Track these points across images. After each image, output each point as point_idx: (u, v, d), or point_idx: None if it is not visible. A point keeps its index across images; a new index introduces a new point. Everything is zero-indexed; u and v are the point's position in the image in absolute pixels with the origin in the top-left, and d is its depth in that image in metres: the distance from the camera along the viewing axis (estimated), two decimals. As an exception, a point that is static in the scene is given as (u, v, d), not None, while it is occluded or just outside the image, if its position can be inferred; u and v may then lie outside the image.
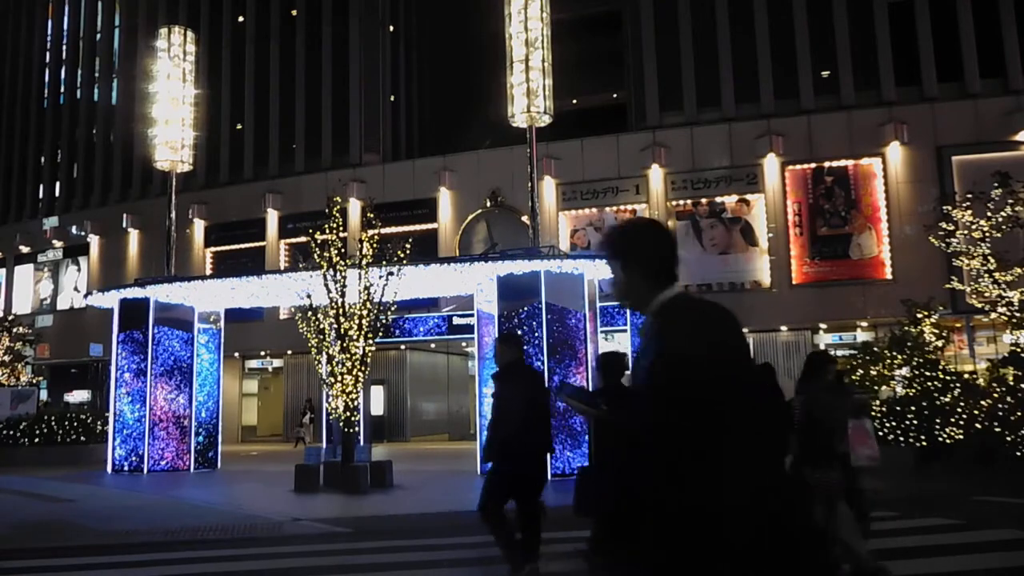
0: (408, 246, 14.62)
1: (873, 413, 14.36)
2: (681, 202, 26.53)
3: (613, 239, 2.47)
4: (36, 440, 21.52)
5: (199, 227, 32.54)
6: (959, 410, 14.04)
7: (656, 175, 26.64)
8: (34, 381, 31.41)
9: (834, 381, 6.51)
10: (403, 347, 28.74)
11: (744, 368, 2.32)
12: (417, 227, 27.59)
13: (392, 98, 34.24)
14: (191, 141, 22.12)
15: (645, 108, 28.85)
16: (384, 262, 14.19)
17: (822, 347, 26.19)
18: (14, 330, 29.07)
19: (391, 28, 34.58)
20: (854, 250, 25.07)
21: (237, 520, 10.28)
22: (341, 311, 13.94)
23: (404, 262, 14.29)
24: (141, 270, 31.67)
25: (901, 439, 14.27)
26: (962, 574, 6.75)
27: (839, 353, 24.17)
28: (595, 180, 27.15)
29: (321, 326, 14.36)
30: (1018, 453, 13.31)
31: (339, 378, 13.99)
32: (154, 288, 18.09)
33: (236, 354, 29.30)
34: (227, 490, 14.46)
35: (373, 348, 14.35)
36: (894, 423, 14.41)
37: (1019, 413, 13.55)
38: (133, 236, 34.21)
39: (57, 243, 36.64)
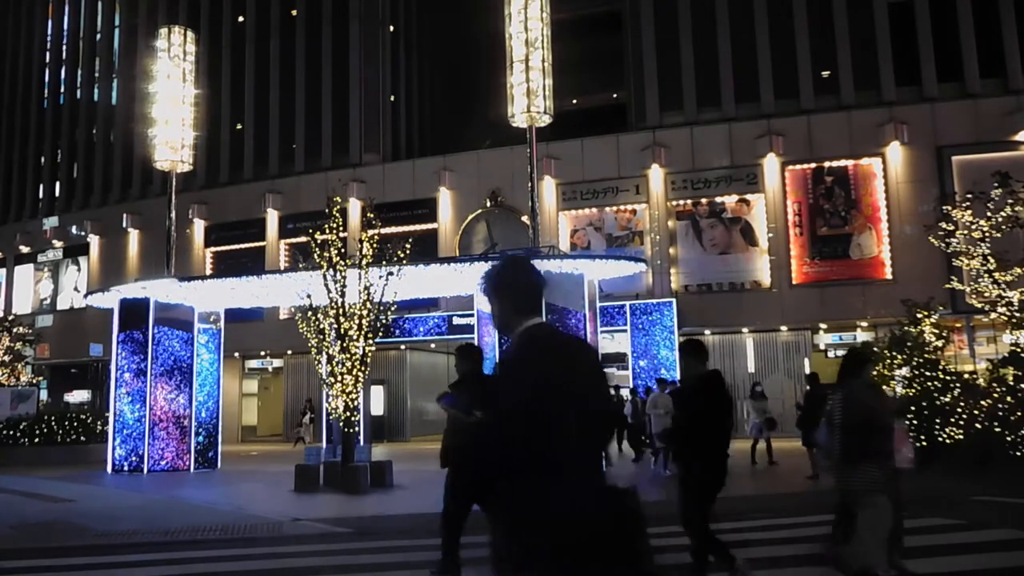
0: (408, 246, 14.63)
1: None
2: (681, 202, 26.53)
3: (490, 275, 2.92)
4: (36, 440, 21.53)
5: (199, 227, 32.55)
6: (959, 410, 14.03)
7: (656, 175, 26.64)
8: (34, 381, 31.41)
9: (874, 380, 6.38)
10: (403, 347, 28.74)
11: (580, 387, 2.70)
12: (417, 227, 27.60)
13: (392, 98, 34.24)
14: (191, 141, 22.13)
15: (645, 108, 28.85)
16: (384, 262, 14.19)
17: (826, 346, 26.22)
18: (14, 330, 29.07)
19: (391, 28, 34.58)
20: (854, 250, 25.08)
21: (237, 520, 10.28)
22: (341, 311, 13.94)
23: (404, 262, 14.29)
24: (141, 270, 31.69)
25: (901, 439, 14.23)
26: (962, 574, 6.75)
27: (839, 353, 24.23)
28: (595, 180, 27.16)
29: (321, 326, 14.36)
30: (1018, 453, 13.30)
31: (339, 378, 13.99)
32: (154, 288, 18.09)
33: (236, 354, 29.30)
34: (227, 490, 14.46)
35: (373, 348, 14.36)
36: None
37: (1019, 413, 13.54)
38: (133, 236, 34.21)
39: (57, 243, 36.65)
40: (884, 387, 15.38)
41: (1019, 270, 16.19)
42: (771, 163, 25.77)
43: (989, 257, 16.30)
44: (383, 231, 15.54)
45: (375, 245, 14.26)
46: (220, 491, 14.29)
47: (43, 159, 40.02)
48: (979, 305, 17.02)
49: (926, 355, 15.28)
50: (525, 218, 23.94)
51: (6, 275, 38.55)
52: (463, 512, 6.59)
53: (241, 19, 35.07)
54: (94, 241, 35.34)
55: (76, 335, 33.01)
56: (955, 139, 24.49)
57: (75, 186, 38.37)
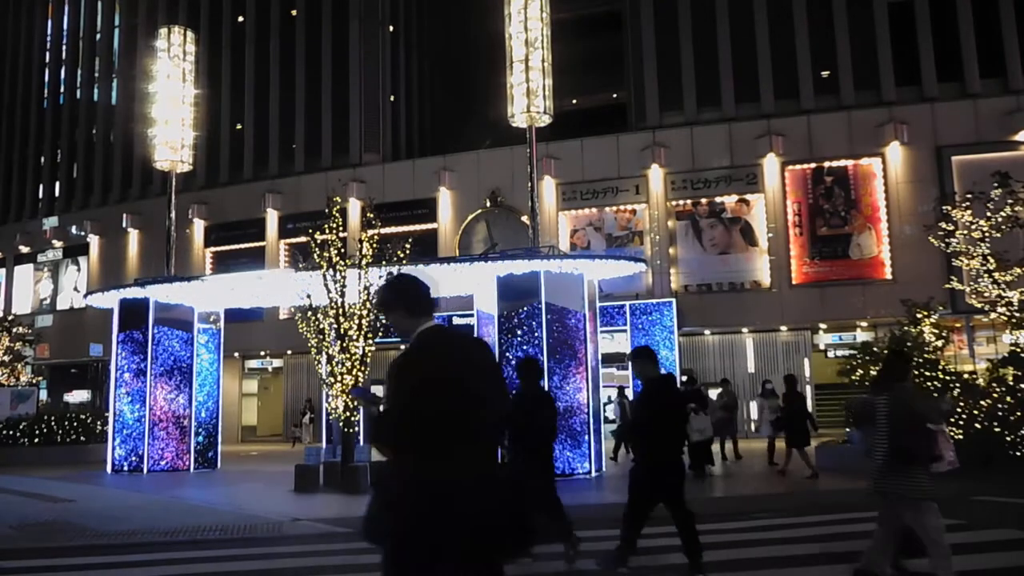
0: (408, 246, 14.63)
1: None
2: (681, 202, 26.53)
3: (382, 291, 3.41)
4: (36, 440, 21.54)
5: (199, 227, 32.54)
6: (959, 410, 14.04)
7: (656, 175, 26.64)
8: (34, 381, 31.41)
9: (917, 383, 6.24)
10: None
11: (471, 381, 3.10)
12: (417, 227, 27.60)
13: (392, 98, 34.24)
14: (191, 141, 22.12)
15: (645, 108, 28.85)
16: (384, 262, 14.18)
17: (827, 345, 26.22)
18: (14, 330, 29.06)
19: (391, 28, 34.58)
20: (854, 250, 25.08)
21: (237, 520, 10.28)
22: (341, 311, 13.94)
23: (404, 262, 14.29)
24: (141, 270, 31.68)
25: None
26: (962, 574, 6.74)
27: (839, 353, 24.24)
28: (595, 180, 27.15)
29: (321, 326, 14.36)
30: (1018, 453, 13.31)
31: (339, 378, 13.99)
32: (154, 288, 18.09)
33: (236, 354, 29.30)
34: (227, 490, 14.46)
35: (373, 348, 14.36)
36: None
37: (1019, 413, 13.54)
38: (133, 236, 34.21)
39: (57, 243, 36.65)
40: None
41: (1019, 270, 16.19)
42: (771, 163, 25.77)
43: (989, 257, 16.30)
44: (383, 231, 15.54)
45: (375, 245, 14.26)
46: (220, 491, 14.28)
47: (43, 159, 40.01)
48: (979, 305, 17.02)
49: (926, 355, 15.28)
50: (525, 218, 23.95)
51: (6, 275, 38.55)
52: None
53: (241, 19, 35.07)
54: (94, 241, 35.34)
55: (76, 335, 33.02)
56: (955, 139, 24.49)
57: (75, 186, 38.37)
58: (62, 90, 40.04)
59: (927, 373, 14.83)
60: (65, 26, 40.43)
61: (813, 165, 25.60)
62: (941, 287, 19.52)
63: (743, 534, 8.76)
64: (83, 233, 35.31)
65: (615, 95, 35.16)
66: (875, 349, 16.53)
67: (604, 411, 18.18)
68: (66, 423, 22.02)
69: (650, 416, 6.59)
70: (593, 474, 14.46)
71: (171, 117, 21.62)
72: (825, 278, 25.11)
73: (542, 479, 7.19)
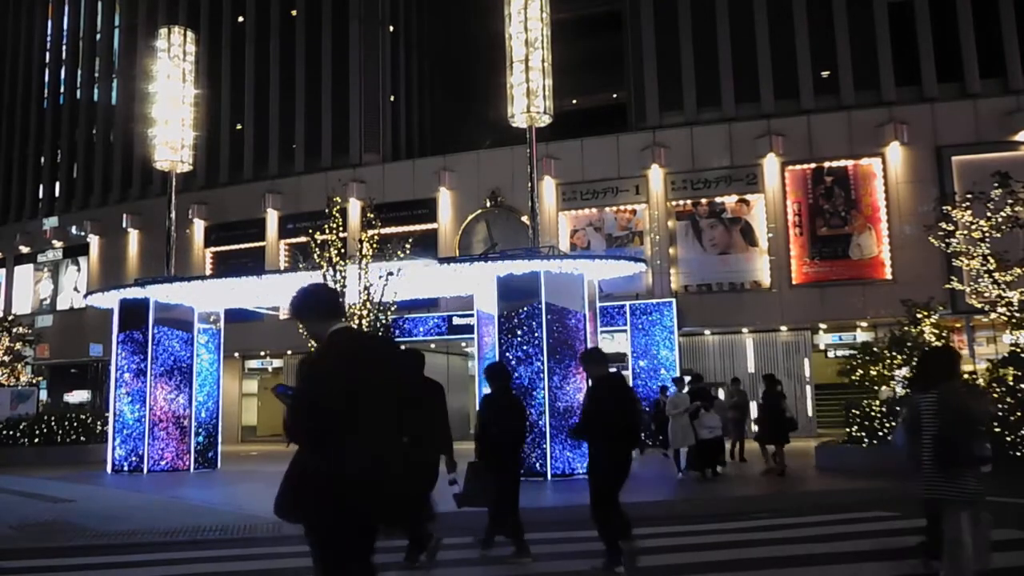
0: (408, 246, 14.64)
1: (873, 413, 14.39)
2: (681, 202, 26.53)
3: (295, 300, 3.72)
4: (36, 440, 21.52)
5: (199, 227, 32.54)
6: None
7: (656, 175, 26.64)
8: (34, 381, 31.38)
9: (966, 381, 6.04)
10: (403, 347, 28.69)
11: (377, 376, 3.51)
12: (417, 227, 27.60)
13: (392, 98, 34.24)
14: (191, 141, 22.10)
15: (645, 108, 28.86)
16: (384, 262, 14.19)
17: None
18: (14, 330, 29.03)
19: (391, 28, 34.58)
20: (854, 250, 25.08)
21: (237, 520, 10.27)
22: (341, 311, 13.92)
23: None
24: (141, 270, 31.67)
25: (901, 439, 14.23)
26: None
27: (839, 353, 24.25)
28: (595, 180, 27.16)
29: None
30: (1018, 453, 13.31)
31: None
32: (154, 288, 18.07)
33: (236, 354, 29.29)
34: (227, 490, 14.44)
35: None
36: (894, 423, 14.39)
37: (1019, 413, 13.55)
38: (133, 236, 34.21)
39: (57, 243, 36.65)
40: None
41: (1019, 270, 16.17)
42: (771, 163, 25.77)
43: (989, 257, 16.28)
44: (383, 231, 15.57)
45: (375, 245, 14.27)
46: (220, 491, 14.28)
47: (43, 159, 40.01)
48: (979, 305, 17.00)
49: (926, 355, 15.25)
50: (525, 218, 23.94)
51: (6, 275, 38.55)
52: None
53: (241, 19, 35.08)
54: (94, 241, 35.34)
55: (76, 335, 33.01)
56: (955, 139, 24.48)
57: (75, 186, 38.37)
58: (62, 90, 40.04)
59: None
60: (65, 26, 40.44)
61: (813, 165, 25.60)
62: (941, 287, 19.51)
63: (743, 534, 8.76)
64: (83, 233, 35.31)
65: (615, 95, 35.17)
66: (875, 349, 16.55)
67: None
68: (66, 423, 22.00)
69: (596, 413, 6.96)
70: (593, 474, 14.41)
71: (171, 117, 21.61)
72: (825, 278, 25.11)
73: (501, 480, 7.30)
